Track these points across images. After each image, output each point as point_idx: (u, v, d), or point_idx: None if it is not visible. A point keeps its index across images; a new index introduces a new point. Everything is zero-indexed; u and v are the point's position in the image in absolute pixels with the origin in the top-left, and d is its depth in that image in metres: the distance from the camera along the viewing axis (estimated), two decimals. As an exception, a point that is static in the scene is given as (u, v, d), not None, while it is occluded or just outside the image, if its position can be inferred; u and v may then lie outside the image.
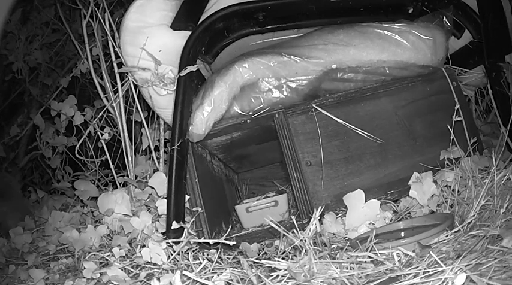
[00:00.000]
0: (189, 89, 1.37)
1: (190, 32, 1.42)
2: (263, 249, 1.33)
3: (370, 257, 1.03)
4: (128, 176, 1.70)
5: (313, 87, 1.44)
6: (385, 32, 1.45)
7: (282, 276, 1.00)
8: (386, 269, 0.96)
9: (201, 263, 1.10)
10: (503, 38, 1.51)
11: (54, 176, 2.09)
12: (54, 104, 1.88)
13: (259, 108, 1.42)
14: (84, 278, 1.19)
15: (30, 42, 2.17)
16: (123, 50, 1.50)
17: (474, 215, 1.11)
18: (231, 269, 1.07)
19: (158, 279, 1.02)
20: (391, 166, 1.42)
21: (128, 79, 1.63)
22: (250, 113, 1.42)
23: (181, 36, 1.43)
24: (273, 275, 1.01)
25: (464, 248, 1.00)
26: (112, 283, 1.13)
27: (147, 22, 1.45)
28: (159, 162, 1.75)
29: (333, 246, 1.22)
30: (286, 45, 1.49)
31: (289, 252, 1.20)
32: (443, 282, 0.84)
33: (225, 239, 1.13)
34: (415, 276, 0.89)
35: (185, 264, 1.15)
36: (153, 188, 1.45)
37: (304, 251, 1.10)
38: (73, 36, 2.00)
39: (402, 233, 1.24)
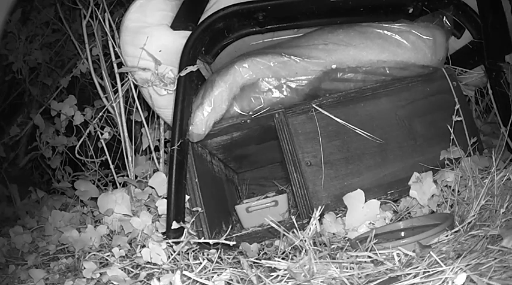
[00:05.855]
0: (189, 89, 1.37)
1: (190, 32, 1.42)
2: (263, 249, 1.33)
3: (370, 257, 1.03)
4: (128, 176, 1.70)
5: (313, 87, 1.44)
6: (385, 32, 1.45)
7: (282, 276, 1.00)
8: (386, 269, 0.96)
9: (201, 263, 1.10)
10: (503, 38, 1.51)
11: (54, 176, 2.09)
12: (54, 104, 1.88)
13: (259, 108, 1.42)
14: (84, 278, 1.19)
15: (30, 42, 2.17)
16: (123, 50, 1.50)
17: (474, 215, 1.11)
18: (231, 269, 1.07)
19: (158, 279, 1.02)
20: (391, 166, 1.42)
21: (128, 79, 1.63)
22: (250, 113, 1.42)
23: (181, 36, 1.43)
24: (273, 275, 1.01)
25: (464, 248, 1.00)
26: (112, 283, 1.13)
27: (147, 22, 1.45)
28: (159, 162, 1.75)
29: (333, 246, 1.22)
30: (286, 45, 1.49)
31: (289, 252, 1.20)
32: (443, 282, 0.84)
33: (225, 239, 1.13)
34: (415, 276, 0.89)
35: (185, 264, 1.15)
36: (153, 188, 1.45)
37: (304, 251, 1.10)
38: (73, 36, 2.00)
39: (402, 233, 1.24)
